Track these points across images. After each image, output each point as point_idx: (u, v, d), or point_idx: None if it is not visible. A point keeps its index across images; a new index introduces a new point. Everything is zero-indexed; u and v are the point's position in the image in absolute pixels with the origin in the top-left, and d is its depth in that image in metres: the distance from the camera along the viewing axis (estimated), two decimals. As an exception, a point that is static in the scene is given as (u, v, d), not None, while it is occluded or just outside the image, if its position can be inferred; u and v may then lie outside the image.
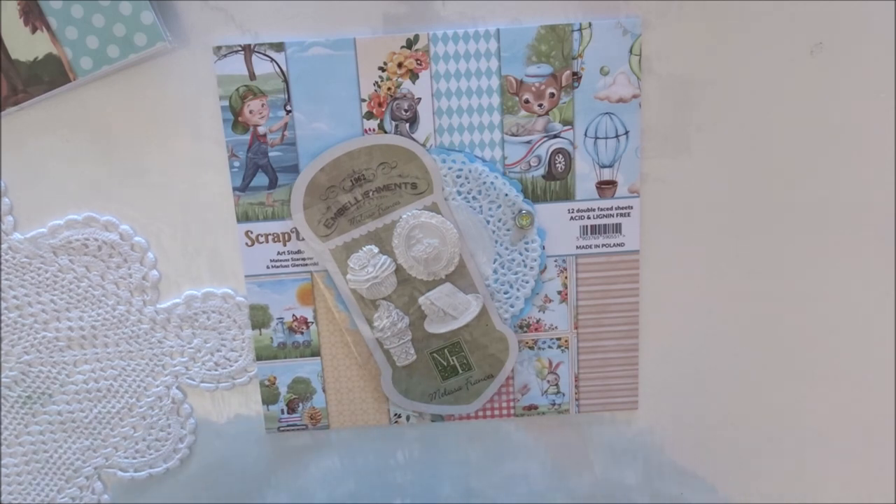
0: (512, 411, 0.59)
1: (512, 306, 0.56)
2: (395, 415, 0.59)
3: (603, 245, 0.55)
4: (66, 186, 0.53)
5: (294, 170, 0.53)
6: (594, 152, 0.54)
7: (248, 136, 0.53)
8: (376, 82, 0.52)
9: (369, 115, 0.52)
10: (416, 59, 0.51)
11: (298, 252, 0.55)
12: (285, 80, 0.51)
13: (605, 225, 0.55)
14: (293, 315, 0.57)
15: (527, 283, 0.56)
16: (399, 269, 0.55)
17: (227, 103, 0.52)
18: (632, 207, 0.55)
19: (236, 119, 0.52)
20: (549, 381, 0.59)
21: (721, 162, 0.54)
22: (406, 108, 0.52)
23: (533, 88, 0.52)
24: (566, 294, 0.57)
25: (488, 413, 0.59)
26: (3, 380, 0.57)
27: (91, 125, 0.52)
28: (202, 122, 0.52)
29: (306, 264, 0.55)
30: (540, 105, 0.52)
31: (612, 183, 0.54)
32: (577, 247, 0.56)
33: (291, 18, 0.51)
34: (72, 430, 0.59)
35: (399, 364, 0.57)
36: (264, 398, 0.59)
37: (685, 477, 0.61)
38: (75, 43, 0.49)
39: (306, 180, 0.53)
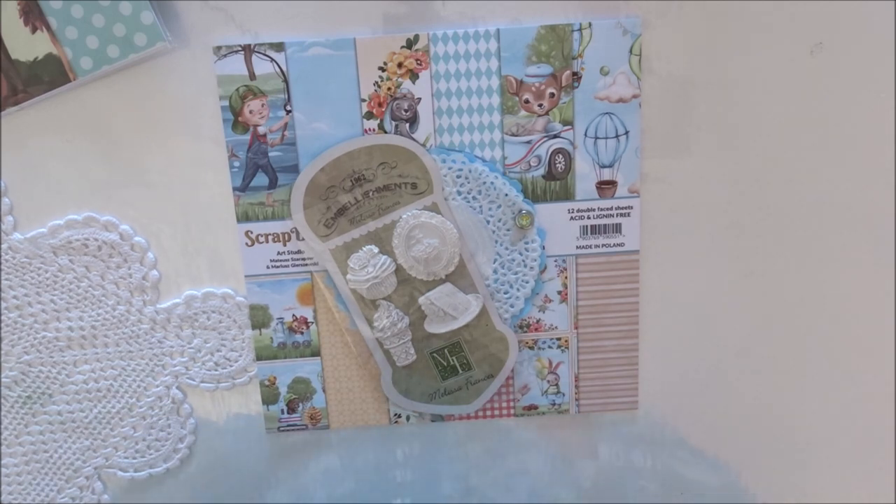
0: (512, 411, 0.59)
1: (512, 306, 0.56)
2: (395, 415, 0.59)
3: (603, 245, 0.55)
4: (66, 186, 0.53)
5: (294, 170, 0.53)
6: (594, 152, 0.53)
7: (248, 136, 0.53)
8: (376, 82, 0.52)
9: (369, 115, 0.52)
10: (416, 59, 0.51)
11: (298, 252, 0.55)
12: (285, 80, 0.51)
13: (605, 225, 0.55)
14: (293, 315, 0.57)
15: (527, 283, 0.56)
16: (399, 269, 0.55)
17: (227, 103, 0.52)
18: (632, 207, 0.55)
19: (236, 119, 0.52)
20: (549, 381, 0.59)
21: (721, 162, 0.54)
22: (406, 108, 0.52)
23: (533, 88, 0.52)
24: (566, 294, 0.57)
25: (488, 413, 0.59)
26: (3, 380, 0.57)
27: (91, 125, 0.52)
28: (202, 122, 0.52)
29: (306, 264, 0.55)
30: (540, 105, 0.52)
31: (612, 183, 0.54)
32: (577, 247, 0.55)
33: (291, 18, 0.51)
34: (72, 430, 0.59)
35: (399, 364, 0.57)
36: (264, 398, 0.59)
37: (685, 477, 0.61)
38: (75, 43, 0.49)
39: (306, 180, 0.53)
